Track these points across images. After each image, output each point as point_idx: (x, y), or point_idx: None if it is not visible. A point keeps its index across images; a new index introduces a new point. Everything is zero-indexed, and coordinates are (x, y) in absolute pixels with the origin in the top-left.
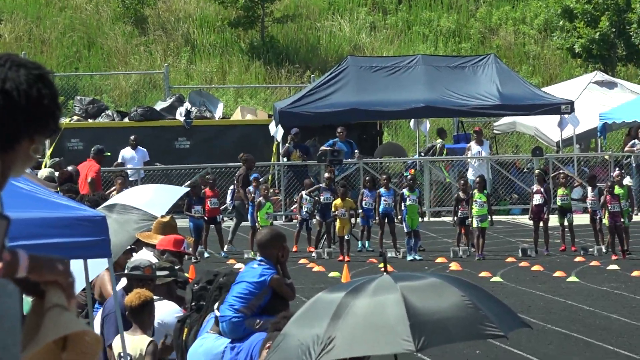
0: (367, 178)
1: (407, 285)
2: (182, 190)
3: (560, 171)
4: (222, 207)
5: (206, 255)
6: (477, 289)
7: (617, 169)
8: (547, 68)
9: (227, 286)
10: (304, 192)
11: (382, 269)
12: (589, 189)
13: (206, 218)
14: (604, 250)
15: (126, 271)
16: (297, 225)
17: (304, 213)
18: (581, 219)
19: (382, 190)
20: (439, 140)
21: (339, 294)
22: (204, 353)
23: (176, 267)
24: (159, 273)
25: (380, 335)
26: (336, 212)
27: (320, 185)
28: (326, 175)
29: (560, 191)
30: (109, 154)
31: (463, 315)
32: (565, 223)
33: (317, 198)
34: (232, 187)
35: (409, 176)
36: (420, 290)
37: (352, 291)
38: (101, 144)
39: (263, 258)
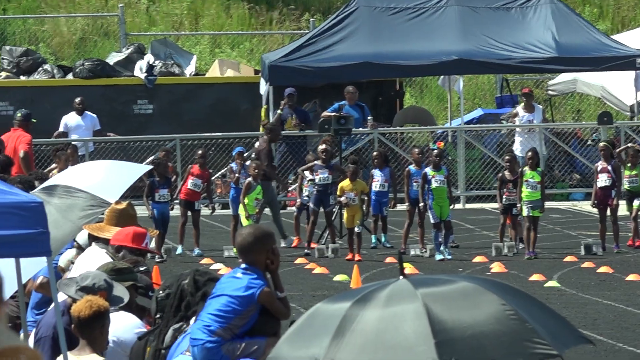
0: (375, 153)
1: (431, 292)
2: (143, 168)
3: (629, 144)
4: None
5: (178, 251)
6: (523, 296)
7: None
8: (618, 9)
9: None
10: (305, 171)
11: (400, 272)
12: None
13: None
14: None
15: (74, 288)
16: (296, 211)
17: (305, 197)
18: None
19: (412, 168)
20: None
21: (344, 305)
22: None
23: (141, 269)
24: (117, 292)
25: (396, 358)
26: (342, 198)
27: (315, 162)
28: (321, 147)
29: (627, 171)
30: (34, 120)
31: (504, 330)
32: (623, 212)
33: (309, 177)
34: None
35: (436, 150)
36: (448, 298)
37: (359, 300)
38: (36, 108)
39: (248, 265)
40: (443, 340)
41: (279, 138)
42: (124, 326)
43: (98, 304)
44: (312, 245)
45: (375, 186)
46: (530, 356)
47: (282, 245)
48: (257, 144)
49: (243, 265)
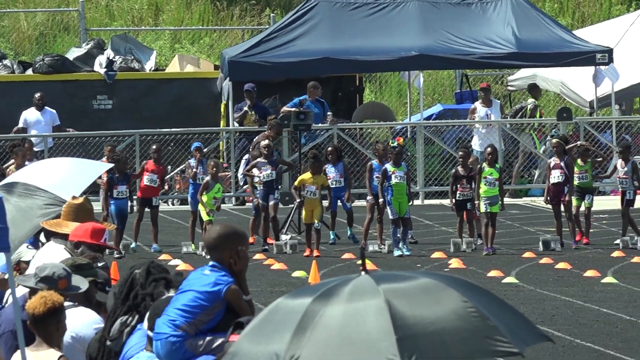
0: (330, 149)
1: (393, 288)
2: (103, 166)
3: (579, 142)
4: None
5: (132, 246)
6: (483, 293)
7: None
8: (578, 5)
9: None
10: (252, 169)
11: (361, 268)
12: (620, 162)
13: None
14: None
15: (34, 280)
16: (253, 210)
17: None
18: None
19: (374, 162)
20: (530, 100)
21: (305, 300)
22: None
23: (99, 265)
24: (75, 281)
25: (358, 354)
26: (302, 193)
27: (258, 159)
28: (263, 143)
29: (577, 167)
30: None
31: (465, 327)
32: (583, 208)
33: (255, 174)
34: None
35: (397, 147)
36: (410, 294)
37: (321, 296)
38: None
39: (216, 263)
40: (404, 337)
41: (280, 134)
42: (82, 322)
43: (53, 299)
44: (270, 241)
45: (331, 182)
46: (492, 353)
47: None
48: (256, 138)
49: (211, 263)
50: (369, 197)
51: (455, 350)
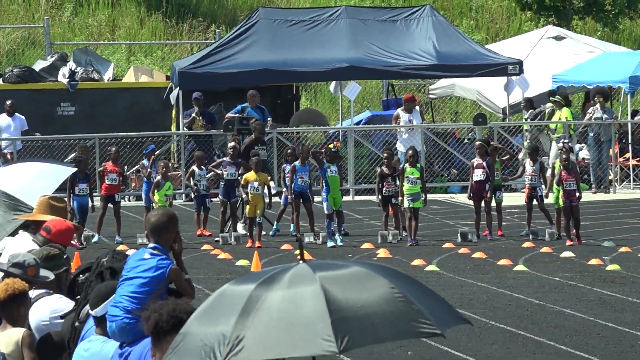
0: (290, 151)
1: (328, 276)
2: (68, 170)
3: (492, 143)
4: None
5: (95, 239)
6: (408, 280)
7: (562, 142)
8: (492, 22)
9: (115, 272)
10: (194, 167)
11: (298, 257)
12: (529, 162)
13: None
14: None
15: (6, 264)
16: (195, 205)
17: (202, 191)
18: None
19: (297, 164)
20: (549, 105)
21: (249, 286)
22: (90, 358)
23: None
24: (43, 272)
25: (296, 335)
26: (243, 195)
27: (224, 158)
28: (230, 145)
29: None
30: None
31: (393, 311)
32: (493, 203)
33: (219, 172)
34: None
35: (334, 148)
36: (343, 281)
37: (264, 282)
38: None
39: (157, 245)
40: (338, 319)
41: (263, 136)
42: (57, 307)
43: (14, 287)
44: (202, 231)
45: (300, 181)
46: (416, 334)
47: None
48: (246, 140)
49: (151, 245)
50: (288, 196)
51: (384, 331)
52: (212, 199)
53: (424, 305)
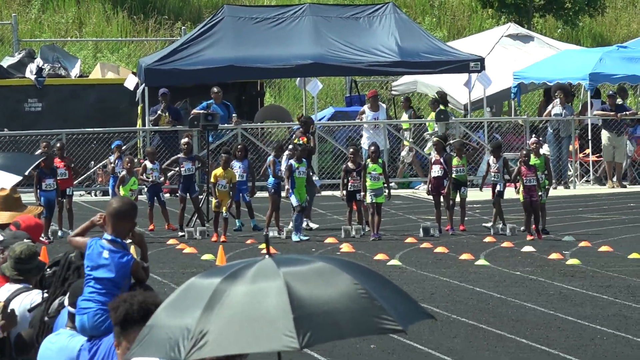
0: (239, 147)
1: (292, 271)
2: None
3: (456, 139)
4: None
5: (60, 234)
6: (372, 275)
7: (534, 136)
8: (453, 19)
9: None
10: (146, 162)
11: (264, 252)
12: (492, 159)
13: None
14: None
15: None
16: (147, 199)
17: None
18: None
19: (274, 158)
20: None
21: (215, 280)
22: (57, 351)
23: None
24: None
25: (259, 330)
26: (210, 185)
27: (179, 155)
28: (183, 141)
29: (455, 161)
30: None
31: (355, 307)
32: (458, 199)
33: (176, 170)
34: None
35: (301, 144)
36: (307, 277)
37: (229, 276)
38: None
39: (114, 238)
40: (301, 316)
41: (311, 129)
42: (31, 302)
43: None
44: (170, 226)
45: (239, 176)
46: (379, 330)
47: (313, 227)
48: (294, 135)
49: (108, 237)
50: (272, 190)
51: (346, 328)
52: (167, 194)
53: (386, 301)
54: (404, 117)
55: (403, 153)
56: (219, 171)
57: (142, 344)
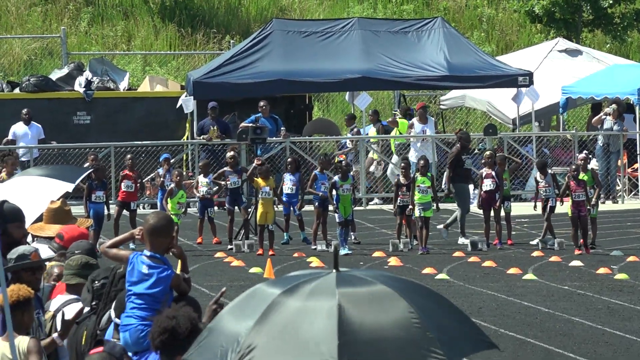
0: (290, 160)
1: (348, 292)
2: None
3: (499, 153)
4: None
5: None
6: (435, 301)
7: (584, 152)
8: (502, 34)
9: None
10: (199, 176)
11: (335, 267)
12: (539, 175)
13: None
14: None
15: (9, 263)
16: (198, 212)
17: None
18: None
19: (317, 172)
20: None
21: (276, 291)
22: None
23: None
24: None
25: (303, 351)
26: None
27: (225, 169)
28: (229, 154)
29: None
30: None
31: (406, 337)
32: (502, 213)
33: (223, 183)
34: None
35: (343, 162)
36: (362, 300)
37: (289, 290)
38: None
39: (153, 254)
40: (346, 342)
41: (468, 145)
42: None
43: (18, 293)
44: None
45: (286, 189)
46: None
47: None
48: (453, 149)
49: (148, 254)
50: (316, 204)
51: (391, 358)
52: (216, 207)
53: (441, 331)
54: (372, 130)
55: (371, 168)
56: (260, 181)
57: (199, 348)
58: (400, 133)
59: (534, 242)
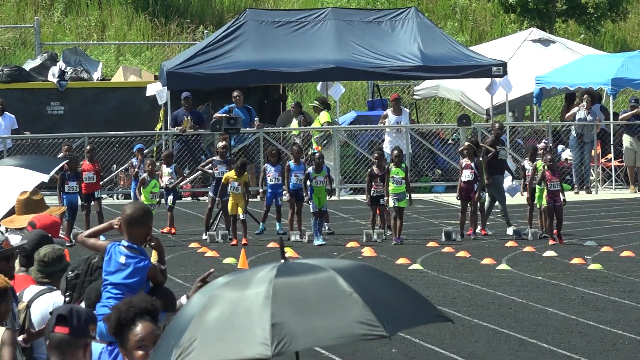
0: (273, 152)
1: (287, 279)
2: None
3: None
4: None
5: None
6: (384, 280)
7: (544, 141)
8: (475, 24)
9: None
10: (163, 166)
11: (282, 257)
12: (527, 162)
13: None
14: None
15: None
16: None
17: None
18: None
19: (291, 163)
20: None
21: (219, 283)
22: None
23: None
24: (14, 241)
25: (240, 336)
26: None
27: (214, 157)
28: (220, 144)
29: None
30: None
31: (338, 313)
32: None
33: (210, 171)
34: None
35: (317, 153)
36: (299, 284)
37: (230, 282)
38: None
39: (130, 244)
40: (278, 323)
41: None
42: (53, 303)
43: None
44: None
45: (270, 179)
46: (359, 337)
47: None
48: (487, 140)
49: (125, 244)
50: (287, 194)
51: (325, 334)
52: (187, 197)
53: (382, 306)
54: (294, 123)
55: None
56: (231, 173)
57: (156, 351)
58: (321, 124)
59: (509, 231)
